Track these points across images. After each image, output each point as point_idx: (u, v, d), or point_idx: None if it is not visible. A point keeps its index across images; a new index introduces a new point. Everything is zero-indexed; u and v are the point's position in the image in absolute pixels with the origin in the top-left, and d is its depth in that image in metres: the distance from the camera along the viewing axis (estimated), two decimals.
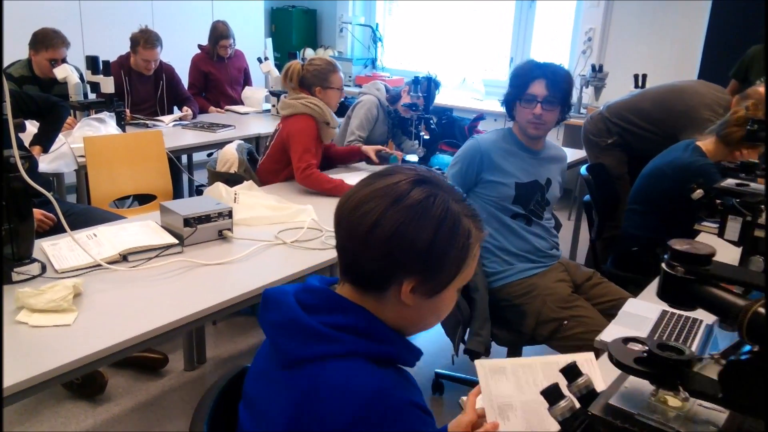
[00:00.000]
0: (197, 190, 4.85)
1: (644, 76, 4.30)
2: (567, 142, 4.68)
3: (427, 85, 3.10)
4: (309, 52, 6.55)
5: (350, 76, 6.22)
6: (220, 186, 2.32)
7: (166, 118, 4.02)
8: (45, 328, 1.46)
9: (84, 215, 2.47)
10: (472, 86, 5.63)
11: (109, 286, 1.70)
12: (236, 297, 1.70)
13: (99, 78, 3.49)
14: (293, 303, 0.91)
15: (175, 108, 4.39)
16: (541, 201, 2.28)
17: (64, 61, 3.67)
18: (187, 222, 1.99)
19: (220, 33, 4.66)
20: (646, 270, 2.23)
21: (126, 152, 2.99)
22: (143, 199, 3.42)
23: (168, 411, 2.46)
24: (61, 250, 1.89)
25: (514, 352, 2.29)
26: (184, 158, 4.36)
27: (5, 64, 3.72)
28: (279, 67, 6.56)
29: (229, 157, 2.97)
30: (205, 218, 2.03)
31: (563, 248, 2.60)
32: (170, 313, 1.57)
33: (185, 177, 4.15)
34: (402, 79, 5.30)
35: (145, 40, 3.93)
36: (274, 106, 4.54)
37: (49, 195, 1.66)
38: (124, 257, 1.87)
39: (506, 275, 2.22)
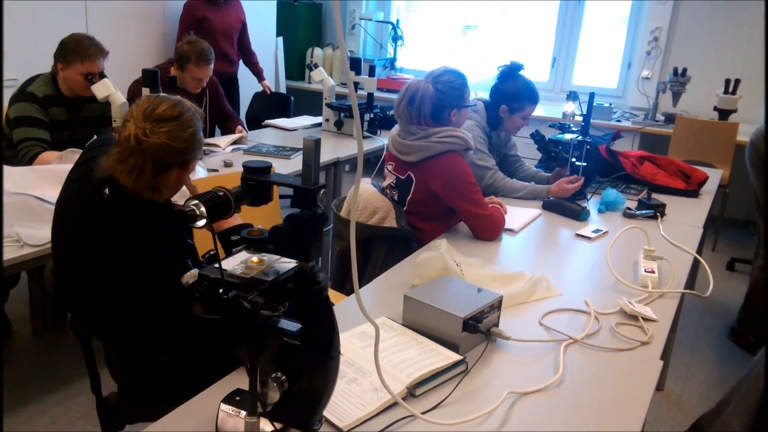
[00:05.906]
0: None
1: (737, 81, 4.01)
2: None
3: (589, 99, 2.59)
4: (317, 52, 5.91)
5: None
6: (445, 256, 1.72)
7: (221, 141, 3.32)
8: None
9: None
10: None
11: None
12: None
13: None
14: None
15: (216, 128, 3.70)
16: None
17: (102, 75, 2.92)
18: (468, 325, 1.43)
19: None
20: None
21: None
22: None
23: None
24: None
25: None
26: None
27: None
28: (288, 68, 5.90)
29: (380, 204, 2.24)
30: (479, 315, 1.47)
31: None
32: None
33: None
34: None
35: (197, 55, 3.20)
36: (327, 120, 3.92)
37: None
38: (409, 391, 1.29)
39: None
